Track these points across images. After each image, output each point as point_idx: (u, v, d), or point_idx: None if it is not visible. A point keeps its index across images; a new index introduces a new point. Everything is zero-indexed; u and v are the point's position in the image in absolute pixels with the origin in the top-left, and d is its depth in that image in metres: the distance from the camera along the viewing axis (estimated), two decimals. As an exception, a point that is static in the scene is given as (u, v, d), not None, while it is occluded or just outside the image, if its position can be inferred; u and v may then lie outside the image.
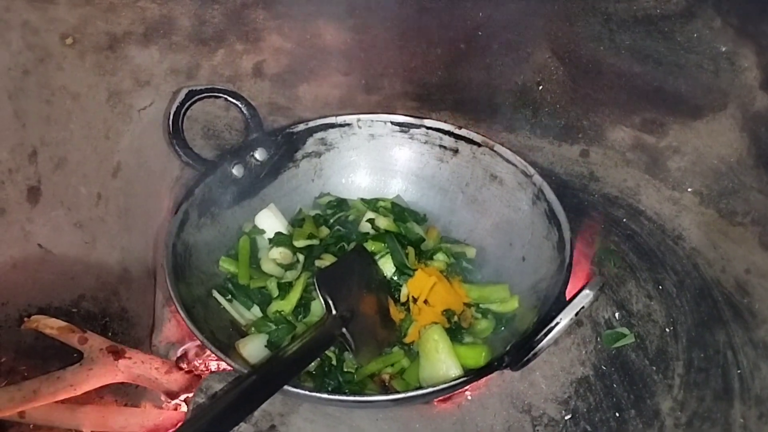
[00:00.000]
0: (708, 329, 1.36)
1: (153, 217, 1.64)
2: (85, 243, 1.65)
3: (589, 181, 1.63)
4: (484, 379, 1.21)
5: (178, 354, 1.52)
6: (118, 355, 1.49)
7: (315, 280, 1.20)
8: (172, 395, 1.51)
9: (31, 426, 1.58)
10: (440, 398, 1.22)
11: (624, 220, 1.55)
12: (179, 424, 1.33)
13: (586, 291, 0.98)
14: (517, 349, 1.03)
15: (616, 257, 1.46)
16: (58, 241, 1.64)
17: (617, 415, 1.23)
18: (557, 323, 0.98)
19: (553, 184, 1.38)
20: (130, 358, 1.48)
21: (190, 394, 1.49)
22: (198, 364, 1.50)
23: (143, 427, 1.52)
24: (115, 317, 1.64)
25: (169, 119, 1.37)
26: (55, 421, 1.55)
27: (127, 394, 1.62)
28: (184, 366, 1.50)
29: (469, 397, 1.22)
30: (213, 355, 1.42)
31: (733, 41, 1.58)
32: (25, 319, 1.55)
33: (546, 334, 0.98)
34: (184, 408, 1.52)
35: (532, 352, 0.99)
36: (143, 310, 1.63)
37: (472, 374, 1.06)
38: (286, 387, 1.01)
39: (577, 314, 0.98)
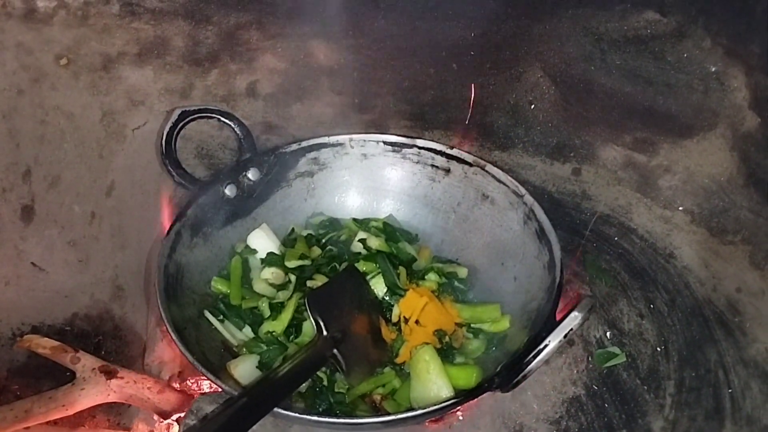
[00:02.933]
0: (699, 348, 1.36)
1: (146, 236, 1.64)
2: (79, 261, 1.66)
3: (581, 200, 1.64)
4: (475, 400, 1.22)
5: (171, 373, 1.52)
6: (110, 374, 1.48)
7: (306, 301, 1.20)
8: (164, 415, 1.50)
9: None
10: (432, 419, 1.22)
11: (616, 238, 1.56)
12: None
13: (575, 313, 0.98)
14: (507, 370, 1.03)
15: (608, 276, 1.46)
16: (51, 260, 1.65)
17: (609, 435, 1.23)
18: (546, 345, 0.98)
19: (545, 202, 1.39)
20: (122, 377, 1.48)
21: (183, 414, 1.49)
22: (191, 384, 1.49)
23: (135, 449, 1.52)
24: (108, 336, 1.64)
25: (162, 139, 1.37)
26: (47, 442, 1.54)
27: (119, 413, 1.61)
28: (177, 386, 1.50)
29: (461, 417, 1.23)
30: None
31: (722, 61, 1.60)
32: (18, 338, 1.55)
33: (535, 356, 0.98)
34: (176, 428, 1.51)
35: (522, 374, 0.99)
36: (136, 328, 1.63)
37: (463, 395, 1.06)
38: (277, 409, 1.01)
39: (566, 336, 0.98)
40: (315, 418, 1.02)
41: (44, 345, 1.50)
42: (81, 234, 1.67)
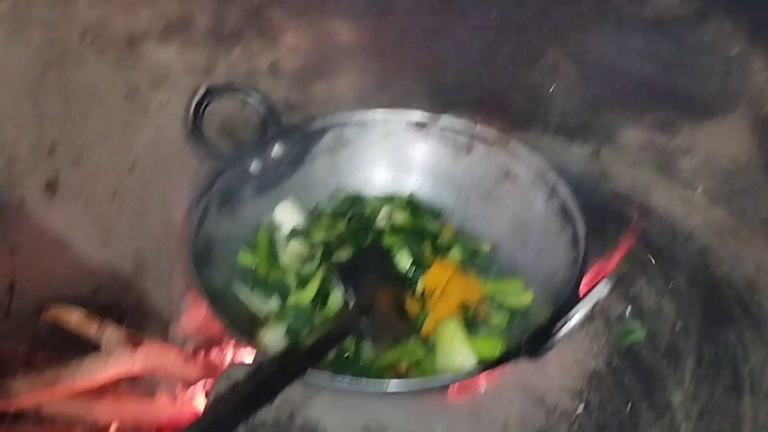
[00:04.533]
0: (718, 326, 1.38)
1: (168, 212, 1.65)
2: (101, 237, 1.67)
3: (601, 181, 1.65)
4: (498, 372, 1.23)
5: (195, 345, 1.54)
6: (136, 345, 1.51)
7: (336, 271, 1.22)
8: (188, 385, 1.53)
9: (47, 418, 1.59)
10: (455, 391, 1.23)
11: (634, 218, 1.57)
12: (201, 412, 1.35)
13: (604, 282, 1.00)
14: (534, 338, 1.05)
15: (628, 255, 1.47)
16: (74, 235, 1.66)
17: (629, 406, 1.24)
18: (575, 313, 0.99)
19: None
20: (147, 348, 1.50)
21: (207, 385, 1.52)
22: (215, 356, 1.52)
23: (158, 418, 1.54)
24: (130, 310, 1.65)
25: (188, 114, 1.40)
26: (72, 412, 1.56)
27: (142, 384, 1.63)
28: (201, 357, 1.52)
29: (484, 390, 1.24)
30: (230, 345, 1.45)
31: (744, 44, 1.61)
32: (44, 309, 1.57)
33: (564, 323, 1.00)
34: (199, 399, 1.53)
35: (550, 341, 1.01)
36: (159, 303, 1.64)
37: (491, 362, 1.08)
38: (309, 371, 1.02)
39: (594, 305, 0.99)
40: (345, 383, 1.04)
41: (70, 315, 1.52)
42: (104, 210, 1.68)
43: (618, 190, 1.63)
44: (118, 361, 1.51)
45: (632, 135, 1.66)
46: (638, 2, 1.71)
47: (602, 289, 1.01)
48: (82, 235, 1.66)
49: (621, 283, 1.40)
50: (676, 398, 1.26)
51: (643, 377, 1.29)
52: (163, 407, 1.57)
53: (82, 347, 1.53)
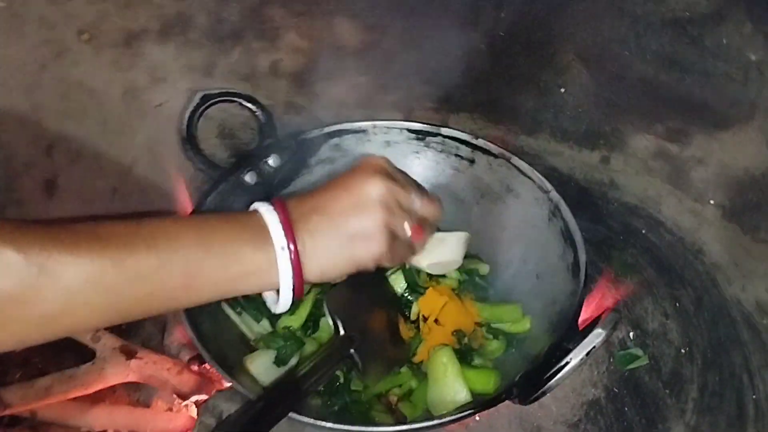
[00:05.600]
0: (724, 350, 1.34)
1: (167, 215, 1.63)
2: (100, 238, 1.65)
3: (609, 189, 1.60)
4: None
5: (190, 355, 1.53)
6: (130, 354, 1.51)
7: (325, 300, 1.18)
8: (182, 396, 1.52)
9: (42, 424, 1.60)
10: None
11: (643, 231, 1.52)
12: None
13: (599, 330, 0.95)
14: (526, 381, 1.01)
15: (633, 272, 1.43)
16: (73, 236, 1.64)
17: (627, 439, 1.22)
18: (568, 362, 0.95)
19: (571, 190, 1.35)
20: (141, 358, 1.51)
21: (201, 396, 1.51)
22: (209, 367, 1.50)
23: (153, 426, 1.54)
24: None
25: (183, 124, 1.36)
26: (66, 419, 1.57)
27: (138, 390, 1.63)
28: (195, 368, 1.51)
29: (477, 419, 1.22)
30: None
31: (763, 49, 1.52)
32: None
33: (556, 373, 0.96)
34: (194, 410, 1.53)
35: (541, 390, 0.97)
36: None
37: (481, 404, 1.04)
38: (292, 414, 1.00)
39: (588, 354, 0.95)
40: (330, 425, 1.01)
41: (65, 323, 1.51)
42: (103, 209, 1.67)
43: (626, 200, 1.57)
44: (113, 370, 1.51)
45: (643, 143, 1.60)
46: (655, 0, 1.63)
47: (601, 333, 0.96)
48: (81, 236, 1.65)
49: (624, 305, 1.36)
50: (678, 430, 1.23)
51: (644, 407, 1.25)
52: (158, 416, 1.57)
53: (78, 355, 1.52)
